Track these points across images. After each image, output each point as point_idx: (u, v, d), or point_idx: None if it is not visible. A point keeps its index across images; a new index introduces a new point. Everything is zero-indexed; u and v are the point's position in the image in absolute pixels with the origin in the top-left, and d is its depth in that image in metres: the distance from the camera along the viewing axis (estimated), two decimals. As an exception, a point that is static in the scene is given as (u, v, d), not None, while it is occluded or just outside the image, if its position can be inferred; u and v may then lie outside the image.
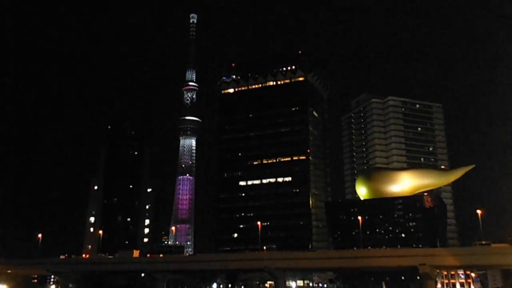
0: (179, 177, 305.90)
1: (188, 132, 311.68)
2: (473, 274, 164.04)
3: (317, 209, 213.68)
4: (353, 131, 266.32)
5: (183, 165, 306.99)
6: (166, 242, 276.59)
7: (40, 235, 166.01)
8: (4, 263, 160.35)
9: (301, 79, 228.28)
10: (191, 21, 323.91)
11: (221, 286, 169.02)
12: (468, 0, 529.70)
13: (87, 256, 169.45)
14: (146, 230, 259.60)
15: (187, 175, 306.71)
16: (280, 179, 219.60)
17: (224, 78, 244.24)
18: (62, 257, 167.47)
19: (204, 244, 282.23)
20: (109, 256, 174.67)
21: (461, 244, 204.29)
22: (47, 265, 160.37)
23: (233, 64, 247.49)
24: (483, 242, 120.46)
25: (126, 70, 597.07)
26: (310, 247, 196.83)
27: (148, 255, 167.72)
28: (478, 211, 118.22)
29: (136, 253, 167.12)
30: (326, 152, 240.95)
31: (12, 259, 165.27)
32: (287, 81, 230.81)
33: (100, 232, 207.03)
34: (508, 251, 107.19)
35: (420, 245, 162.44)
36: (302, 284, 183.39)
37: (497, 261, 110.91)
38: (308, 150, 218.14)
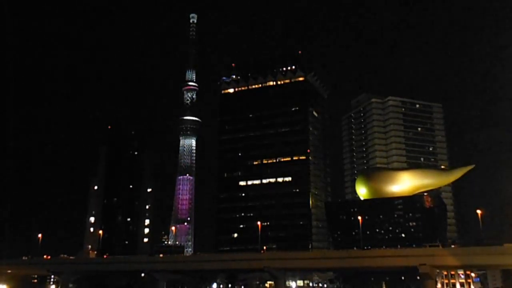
0: (179, 177, 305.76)
1: (188, 132, 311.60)
2: (473, 274, 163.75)
3: (317, 209, 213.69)
4: (353, 131, 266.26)
5: (183, 165, 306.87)
6: (166, 242, 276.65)
7: (40, 235, 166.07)
8: (4, 263, 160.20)
9: (301, 79, 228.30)
10: (191, 21, 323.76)
11: (221, 286, 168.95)
12: (468, 0, 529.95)
13: (49, 257, 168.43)
14: (146, 230, 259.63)
15: (187, 175, 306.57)
16: (280, 179, 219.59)
17: (224, 78, 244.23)
18: (24, 258, 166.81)
19: (204, 244, 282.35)
20: (70, 257, 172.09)
21: (461, 244, 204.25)
22: (47, 265, 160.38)
23: (233, 64, 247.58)
24: (432, 244, 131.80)
25: (126, 70, 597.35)
26: (310, 247, 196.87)
27: (106, 256, 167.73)
28: (478, 211, 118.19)
29: (92, 254, 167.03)
30: (326, 152, 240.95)
31: (12, 259, 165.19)
32: (287, 81, 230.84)
33: (100, 232, 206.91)
34: (508, 251, 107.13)
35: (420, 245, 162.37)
36: (302, 284, 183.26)
37: (497, 261, 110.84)
38: (308, 150, 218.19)
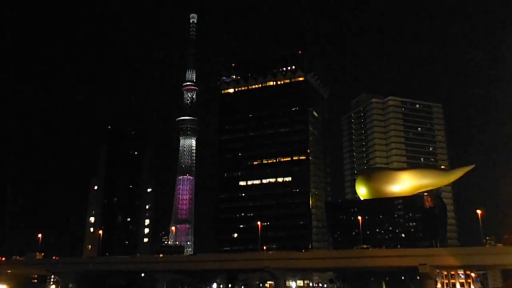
0: (179, 177, 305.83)
1: (188, 132, 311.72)
2: (473, 274, 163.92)
3: (317, 209, 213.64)
4: (353, 131, 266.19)
5: (183, 165, 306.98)
6: (166, 242, 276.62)
7: (40, 235, 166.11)
8: (4, 263, 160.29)
9: (301, 79, 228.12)
10: (191, 21, 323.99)
11: (221, 286, 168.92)
12: (468, 1, 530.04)
13: (14, 257, 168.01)
14: (146, 230, 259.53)
15: (187, 175, 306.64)
16: (280, 179, 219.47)
17: (224, 78, 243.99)
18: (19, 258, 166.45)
19: (204, 244, 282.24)
20: (20, 258, 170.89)
21: (461, 244, 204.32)
22: (47, 265, 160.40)
23: (233, 64, 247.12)
24: (363, 246, 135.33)
25: (126, 70, 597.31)
26: (310, 247, 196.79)
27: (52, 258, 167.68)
28: (478, 211, 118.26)
29: (39, 256, 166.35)
30: (326, 152, 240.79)
31: (12, 259, 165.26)
32: (287, 81, 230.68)
33: (100, 232, 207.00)
34: (507, 251, 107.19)
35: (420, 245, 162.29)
36: (302, 284, 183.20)
37: (497, 261, 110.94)
38: (308, 150, 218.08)
